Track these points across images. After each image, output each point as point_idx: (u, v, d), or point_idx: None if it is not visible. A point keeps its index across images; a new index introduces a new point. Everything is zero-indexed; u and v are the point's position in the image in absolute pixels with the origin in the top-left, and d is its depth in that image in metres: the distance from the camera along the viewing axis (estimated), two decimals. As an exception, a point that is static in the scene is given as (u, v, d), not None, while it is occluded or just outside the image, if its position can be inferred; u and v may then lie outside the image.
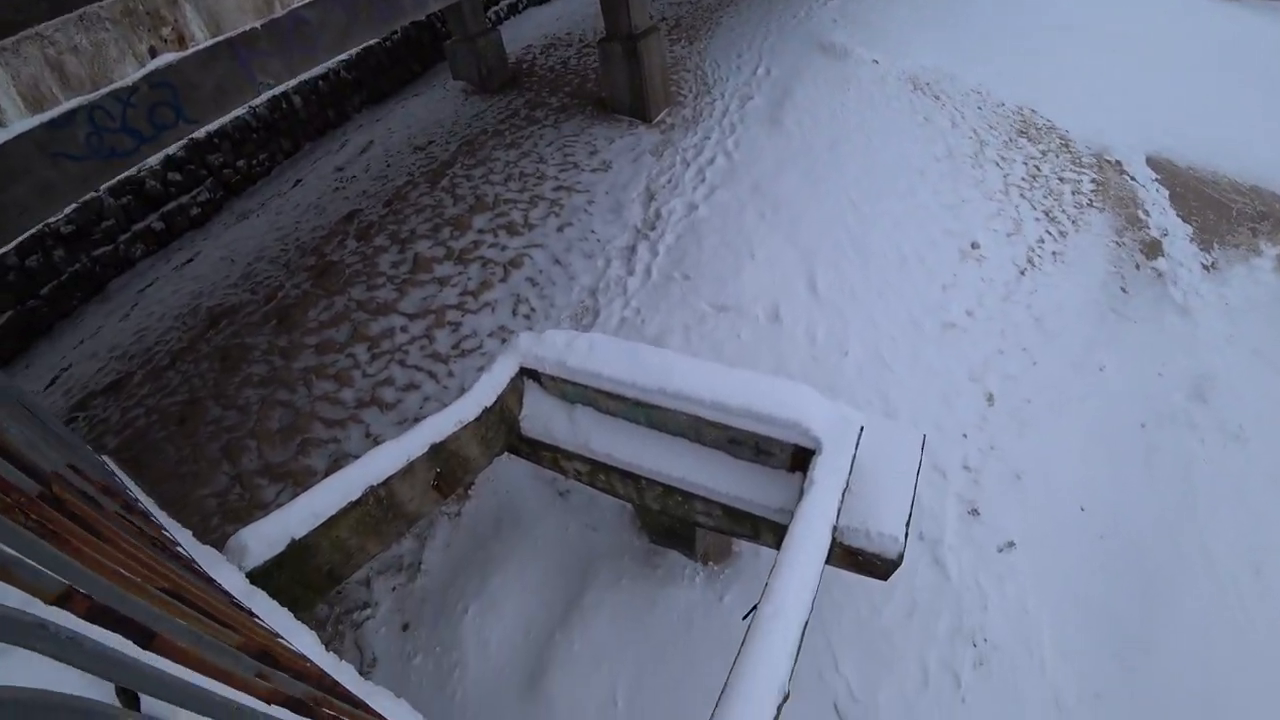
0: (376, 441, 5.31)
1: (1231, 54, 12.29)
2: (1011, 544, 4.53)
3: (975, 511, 4.69)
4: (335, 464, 5.19)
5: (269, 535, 2.65)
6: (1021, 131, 8.87)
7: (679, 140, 8.03)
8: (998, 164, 8.06)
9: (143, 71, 2.76)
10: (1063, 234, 7.40)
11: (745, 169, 7.37)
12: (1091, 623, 4.20)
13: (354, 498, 3.02)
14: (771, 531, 3.22)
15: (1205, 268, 7.30)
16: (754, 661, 2.08)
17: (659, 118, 8.43)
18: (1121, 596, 4.35)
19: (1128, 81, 10.50)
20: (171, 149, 8.08)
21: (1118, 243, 7.49)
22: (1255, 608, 4.34)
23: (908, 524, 2.95)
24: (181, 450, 5.44)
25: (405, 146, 8.98)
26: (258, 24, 3.18)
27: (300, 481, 5.06)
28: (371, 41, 10.17)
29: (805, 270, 6.10)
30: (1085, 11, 12.93)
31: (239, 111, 8.66)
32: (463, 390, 5.81)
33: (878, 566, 2.98)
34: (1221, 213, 8.25)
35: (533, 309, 5.99)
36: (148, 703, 0.64)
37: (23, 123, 2.36)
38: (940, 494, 4.73)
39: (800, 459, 3.11)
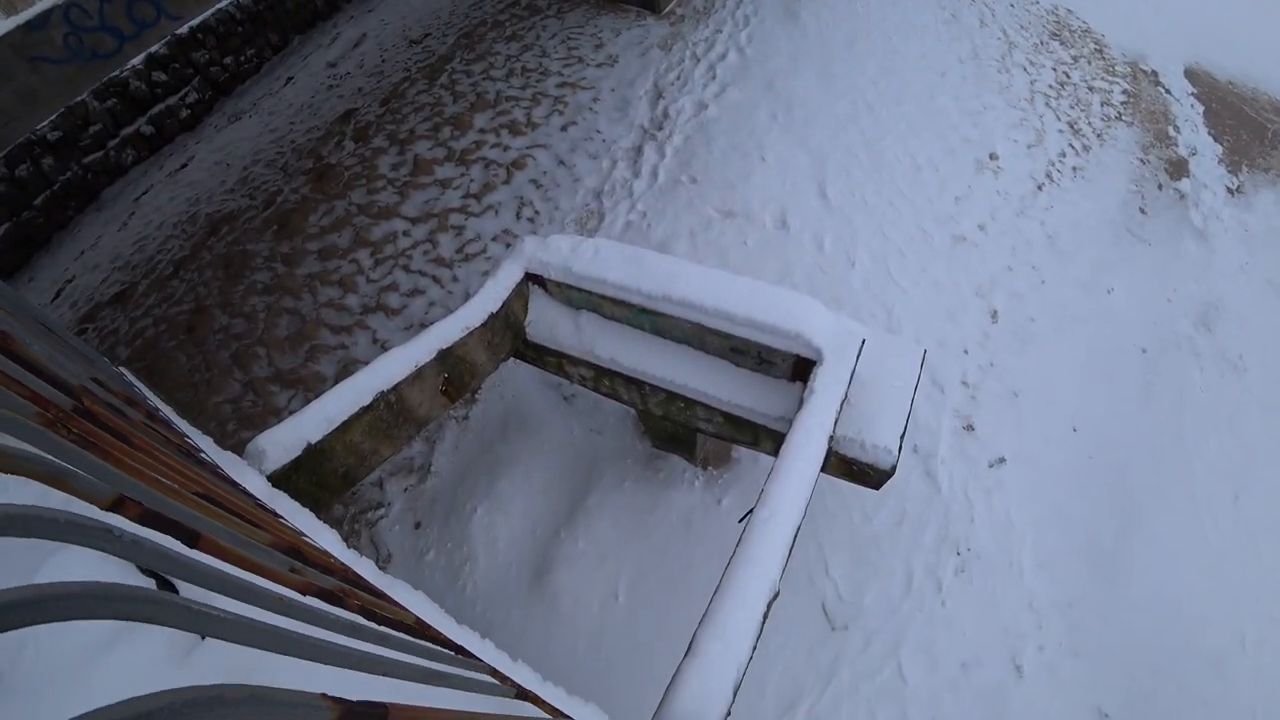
0: (384, 347, 5.38)
1: None
2: (1002, 460, 4.66)
3: (970, 427, 4.80)
4: (344, 370, 5.28)
5: (285, 440, 2.73)
6: (1054, 34, 8.33)
7: (689, 34, 7.57)
8: (1025, 69, 7.62)
9: None
10: (1086, 148, 7.11)
11: (758, 66, 6.98)
12: (1071, 536, 4.40)
13: (365, 403, 3.09)
14: (770, 439, 3.32)
15: (1230, 191, 7.06)
16: (748, 561, 2.20)
17: (669, 8, 7.91)
18: (1102, 513, 4.53)
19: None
20: (154, 47, 7.65)
21: (1142, 160, 7.21)
22: (1228, 532, 4.53)
23: (902, 437, 3.03)
24: (193, 359, 5.52)
25: (400, 40, 8.49)
26: None
27: (311, 387, 5.17)
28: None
29: (816, 176, 5.91)
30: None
31: (221, 3, 8.13)
32: (468, 295, 5.83)
33: (870, 476, 3.09)
34: (1256, 133, 7.89)
35: (537, 212, 5.87)
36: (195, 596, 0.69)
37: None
38: (937, 409, 4.82)
39: (801, 369, 3.16)
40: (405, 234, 6.13)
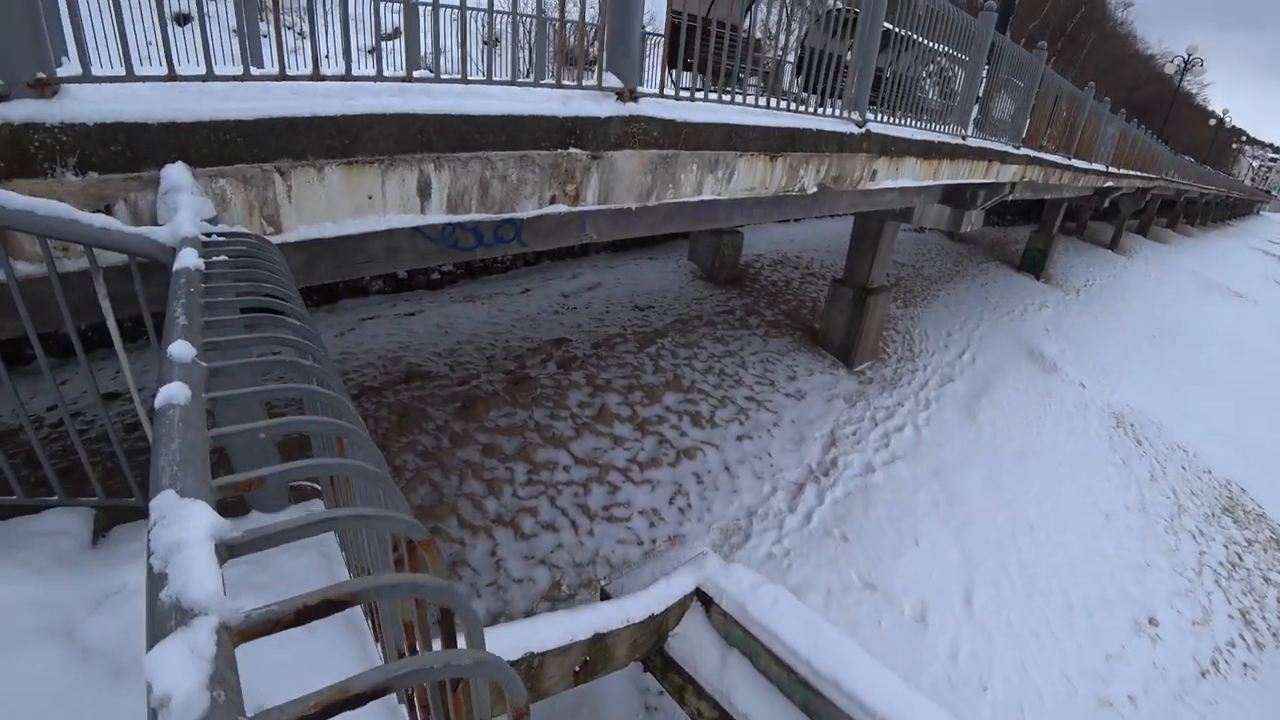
0: (499, 565, 5.55)
1: None
2: None
3: None
4: (450, 568, 5.43)
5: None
6: (1226, 509, 8.23)
7: (873, 397, 8.26)
8: (1194, 537, 7.48)
9: (538, 212, 3.26)
10: (1260, 644, 6.60)
11: (930, 449, 7.40)
12: None
13: (513, 657, 3.22)
14: None
15: None
16: None
17: (861, 367, 8.78)
18: None
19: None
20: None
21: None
22: None
23: None
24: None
25: (627, 301, 9.93)
26: (632, 205, 3.67)
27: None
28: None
29: (964, 578, 5.88)
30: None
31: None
32: (597, 554, 6.04)
33: None
34: None
35: (689, 504, 6.19)
36: None
37: (435, 217, 2.84)
38: None
39: None
40: (565, 469, 6.58)
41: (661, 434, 6.92)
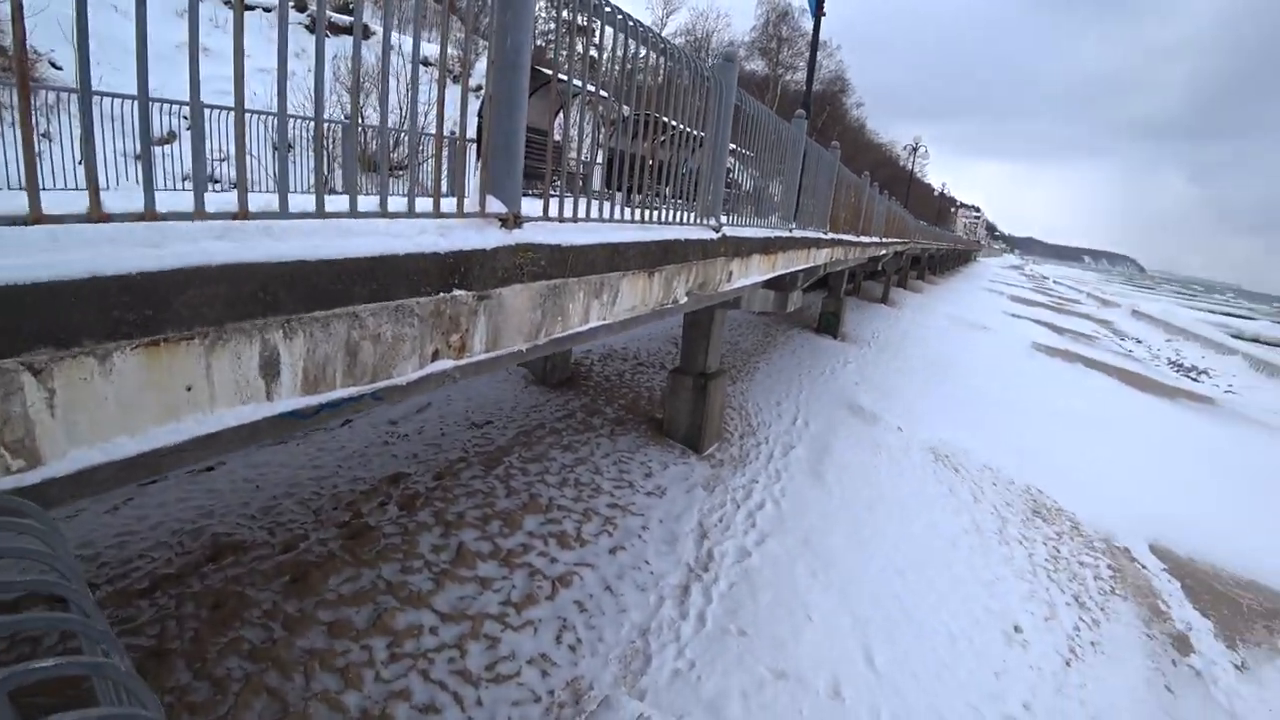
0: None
1: (1185, 446, 13.75)
2: None
3: None
4: None
5: None
6: (1035, 512, 9.44)
7: (728, 479, 8.46)
8: (1020, 542, 8.42)
9: (419, 374, 2.66)
10: (1095, 622, 7.44)
11: (794, 520, 7.67)
12: None
13: None
14: None
15: (1237, 668, 7.23)
16: None
17: (709, 450, 9.03)
18: None
19: (1120, 467, 11.50)
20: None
21: (1148, 635, 7.50)
22: None
23: None
24: None
25: (462, 419, 9.39)
26: (523, 346, 3.22)
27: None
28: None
29: (862, 640, 5.99)
30: (1064, 399, 14.79)
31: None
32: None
33: None
34: (1234, 609, 8.40)
35: (579, 639, 5.71)
36: None
37: (287, 403, 2.11)
38: None
39: None
40: (432, 631, 5.79)
41: (530, 564, 6.43)
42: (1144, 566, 9.00)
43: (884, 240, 18.40)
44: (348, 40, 21.85)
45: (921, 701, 5.50)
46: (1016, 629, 6.81)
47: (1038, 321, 33.99)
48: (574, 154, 4.74)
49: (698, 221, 5.38)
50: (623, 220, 4.29)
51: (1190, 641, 7.49)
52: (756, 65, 62.12)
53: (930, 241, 40.73)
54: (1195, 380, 26.09)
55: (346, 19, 23.97)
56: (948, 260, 60.60)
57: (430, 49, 22.50)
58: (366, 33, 22.72)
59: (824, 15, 16.09)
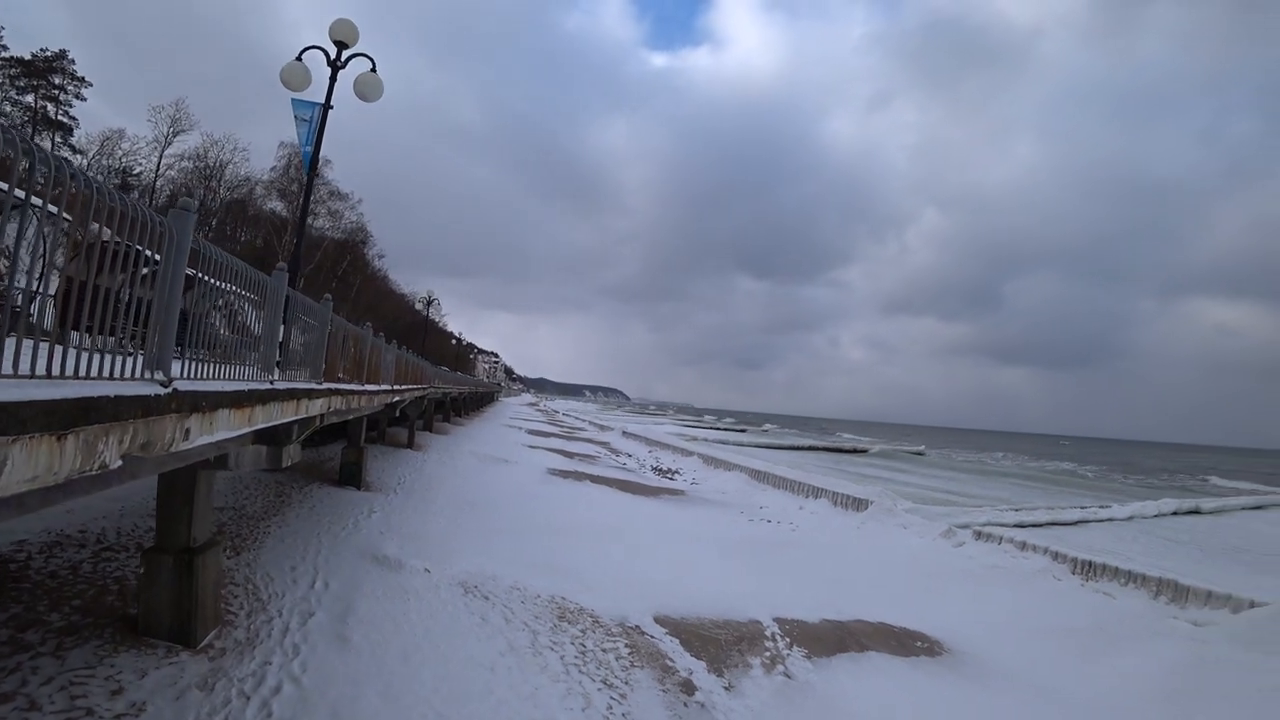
0: None
1: (669, 529, 17.50)
2: None
3: None
4: None
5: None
6: (561, 616, 10.26)
7: (233, 669, 6.71)
8: (552, 648, 8.93)
9: None
10: (623, 695, 8.27)
11: (319, 695, 6.49)
12: None
13: None
14: None
15: (726, 689, 8.96)
16: None
17: (206, 641, 7.07)
18: None
19: (626, 560, 13.63)
20: None
21: (663, 690, 8.71)
22: None
23: None
24: None
25: None
26: None
27: None
28: None
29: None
30: (577, 513, 17.11)
31: None
32: None
33: None
34: (716, 645, 10.51)
35: None
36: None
37: None
38: None
39: None
40: None
41: None
42: (652, 636, 10.58)
43: (396, 387, 18.63)
44: None
45: None
46: (565, 736, 7.02)
47: (551, 450, 38.77)
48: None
49: (143, 375, 4.43)
50: (19, 376, 3.22)
51: (693, 682, 9.00)
52: (276, 205, 59.43)
53: (452, 385, 43.15)
54: (671, 479, 33.39)
55: None
56: (471, 401, 64.91)
57: None
58: None
59: (320, 164, 16.12)
